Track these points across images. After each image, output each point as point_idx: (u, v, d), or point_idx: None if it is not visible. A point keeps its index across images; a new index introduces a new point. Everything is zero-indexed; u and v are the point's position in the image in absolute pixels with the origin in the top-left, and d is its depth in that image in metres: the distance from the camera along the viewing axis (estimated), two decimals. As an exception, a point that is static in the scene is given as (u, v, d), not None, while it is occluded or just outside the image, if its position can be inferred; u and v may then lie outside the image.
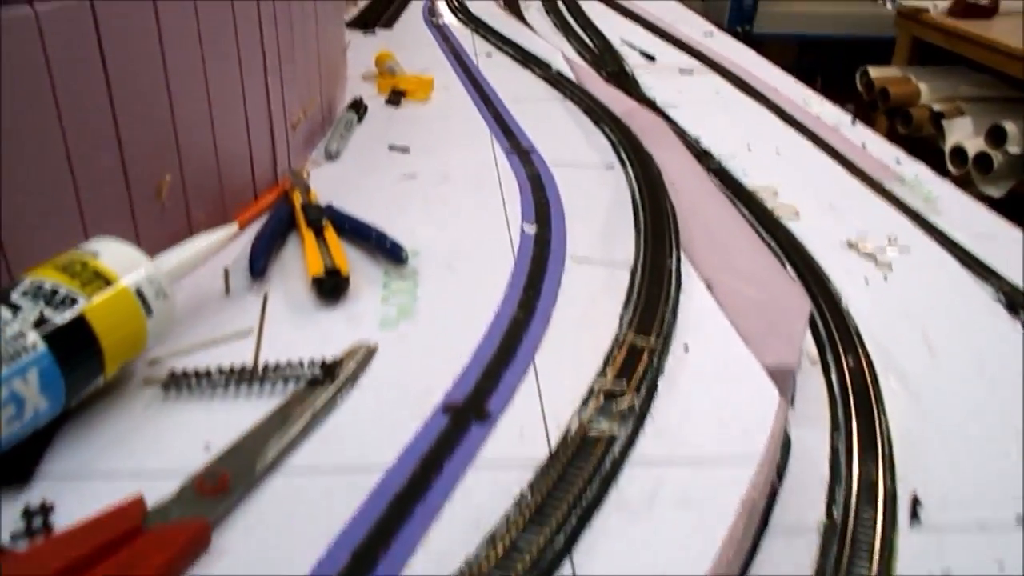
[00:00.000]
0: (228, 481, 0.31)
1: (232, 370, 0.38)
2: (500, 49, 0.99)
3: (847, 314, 0.52)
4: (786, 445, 0.41)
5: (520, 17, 1.25)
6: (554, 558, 0.29)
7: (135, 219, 0.44)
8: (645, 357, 0.40)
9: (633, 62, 1.10)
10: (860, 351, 0.48)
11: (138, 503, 0.29)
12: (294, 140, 0.60)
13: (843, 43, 3.02)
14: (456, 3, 1.21)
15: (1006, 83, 1.84)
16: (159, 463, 0.33)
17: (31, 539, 0.29)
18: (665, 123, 0.78)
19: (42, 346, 0.31)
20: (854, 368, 0.46)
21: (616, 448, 0.34)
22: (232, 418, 0.35)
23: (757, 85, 1.02)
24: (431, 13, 1.14)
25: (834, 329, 0.50)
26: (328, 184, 0.60)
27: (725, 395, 0.39)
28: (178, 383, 0.37)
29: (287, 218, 0.51)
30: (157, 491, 0.31)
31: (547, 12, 1.36)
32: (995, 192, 1.69)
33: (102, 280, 0.34)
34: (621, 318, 0.44)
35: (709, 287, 0.48)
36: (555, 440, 0.35)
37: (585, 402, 0.37)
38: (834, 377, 0.46)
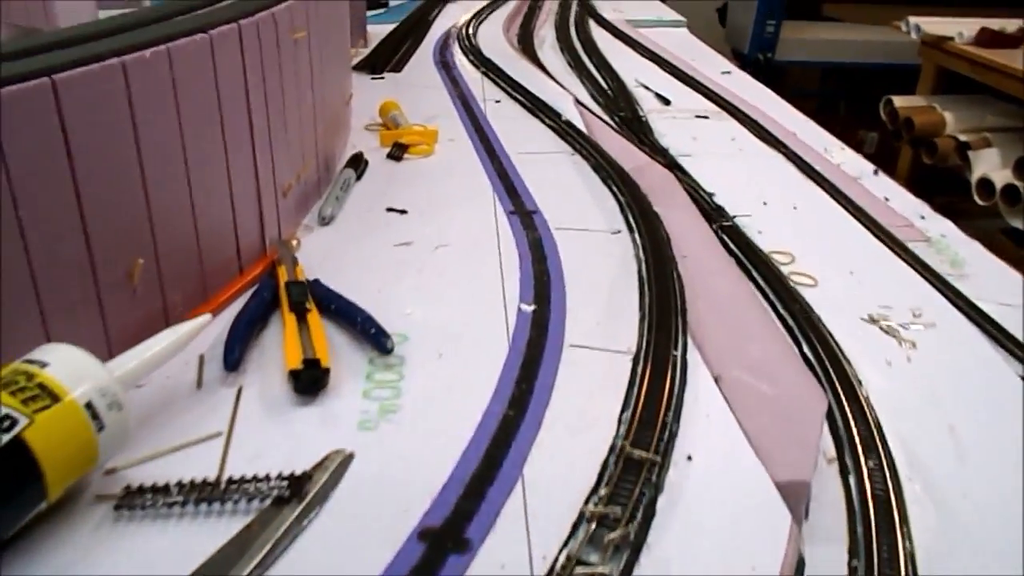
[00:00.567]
0: (171, 633, 0.28)
1: (193, 484, 0.35)
2: (510, 95, 0.97)
3: (867, 403, 0.48)
4: (799, 567, 0.37)
5: (533, 57, 1.23)
6: None
7: (103, 308, 0.41)
8: (643, 472, 0.37)
9: (648, 106, 1.07)
10: (881, 450, 0.44)
11: (66, 665, 0.26)
12: (285, 206, 0.57)
13: (867, 70, 2.99)
14: (468, 44, 1.19)
15: (1033, 114, 1.80)
16: (101, 600, 0.30)
17: None
18: (676, 179, 0.74)
19: (-27, 477, 0.29)
20: (874, 470, 0.43)
21: (607, 589, 0.31)
22: (189, 543, 0.32)
23: (775, 130, 0.99)
24: (441, 56, 1.12)
25: (853, 423, 0.46)
26: (320, 252, 0.58)
27: (730, 518, 0.35)
28: (132, 501, 0.34)
29: (271, 297, 0.48)
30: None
31: (561, 51, 1.34)
32: (1023, 224, 1.66)
33: (48, 395, 0.32)
34: (619, 420, 0.41)
35: (718, 382, 0.45)
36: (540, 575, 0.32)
37: (575, 528, 0.34)
38: (852, 481, 0.42)
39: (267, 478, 0.35)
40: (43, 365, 0.33)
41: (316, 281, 0.51)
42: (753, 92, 1.19)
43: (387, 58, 1.08)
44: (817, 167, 0.88)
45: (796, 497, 0.38)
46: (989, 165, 1.77)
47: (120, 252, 0.42)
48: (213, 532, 0.33)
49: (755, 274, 0.63)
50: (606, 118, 0.99)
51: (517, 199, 0.67)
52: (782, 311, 0.58)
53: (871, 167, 0.92)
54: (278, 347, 0.45)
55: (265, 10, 0.52)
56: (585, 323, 0.49)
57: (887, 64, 2.92)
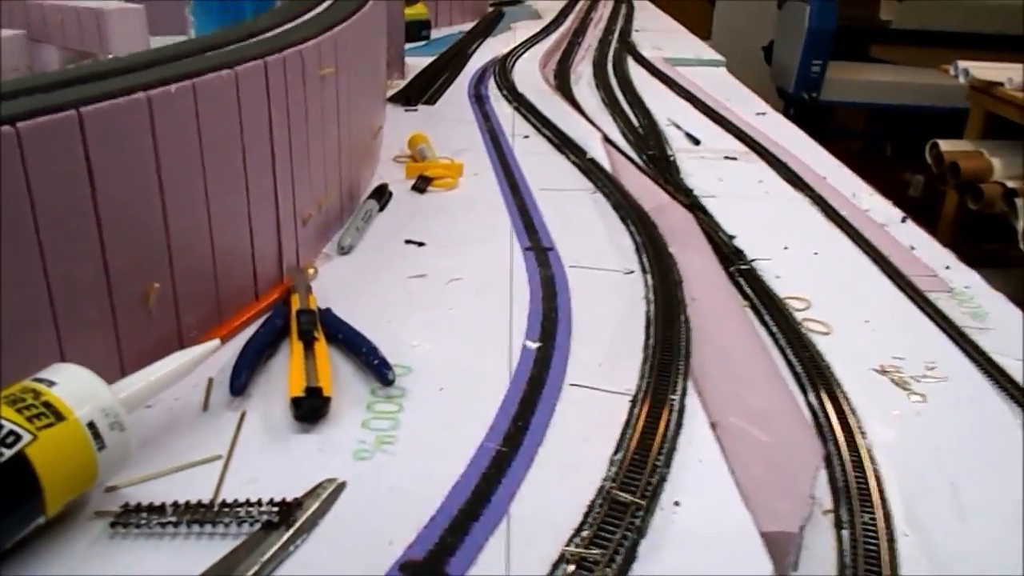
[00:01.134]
0: (150, 651, 0.29)
1: (188, 505, 0.36)
2: (539, 131, 0.98)
3: (869, 455, 0.48)
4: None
5: (567, 93, 1.25)
6: None
7: (117, 330, 0.43)
8: (628, 516, 0.37)
9: (677, 145, 1.08)
10: (880, 505, 0.44)
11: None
12: (305, 235, 0.59)
13: (914, 113, 2.96)
14: (503, 79, 1.21)
15: (1082, 161, 1.77)
16: (90, 615, 0.31)
17: None
18: (695, 220, 0.75)
19: (-25, 489, 0.30)
20: (869, 524, 0.42)
21: (579, 632, 0.31)
22: (180, 563, 0.33)
23: (804, 173, 0.99)
24: (476, 90, 1.14)
25: (852, 474, 0.46)
26: (336, 281, 0.59)
27: (712, 566, 0.35)
28: (128, 519, 0.35)
29: (282, 324, 0.50)
30: (78, 653, 0.29)
31: (597, 87, 1.35)
32: (1067, 272, 1.62)
33: (52, 414, 0.33)
34: (611, 461, 0.41)
35: (714, 428, 0.45)
36: (516, 617, 0.32)
37: (554, 569, 0.34)
38: (846, 536, 0.42)
39: (259, 503, 0.36)
40: (51, 384, 0.34)
41: (327, 310, 0.52)
42: (787, 134, 1.19)
43: (422, 90, 1.11)
44: (843, 212, 0.87)
45: (782, 548, 0.38)
46: (1036, 213, 1.74)
47: (137, 276, 0.43)
48: (204, 553, 0.34)
49: (768, 319, 0.63)
50: (634, 156, 1.00)
51: (535, 235, 0.68)
52: (791, 358, 0.58)
53: (900, 214, 0.92)
54: (285, 374, 0.46)
55: (292, 47, 0.54)
56: (587, 363, 0.50)
57: (934, 107, 2.89)
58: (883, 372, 0.58)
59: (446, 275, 0.60)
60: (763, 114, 1.32)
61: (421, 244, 0.65)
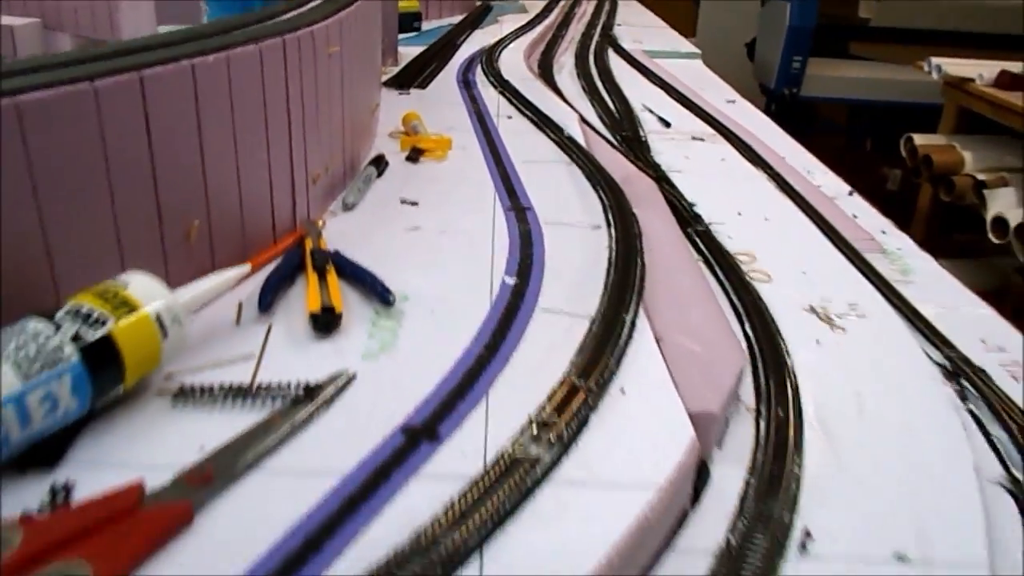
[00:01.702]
0: (212, 474, 0.38)
1: (231, 387, 0.45)
2: (521, 112, 1.08)
3: (791, 372, 0.58)
4: (705, 478, 0.47)
5: (550, 81, 1.34)
6: (466, 552, 0.35)
7: (166, 257, 0.52)
8: (581, 396, 0.47)
9: (650, 128, 1.17)
10: (792, 404, 0.54)
11: (137, 487, 0.37)
12: (314, 193, 0.68)
13: (893, 109, 3.06)
14: (489, 67, 1.30)
15: (1053, 155, 1.86)
16: (161, 458, 0.40)
17: (52, 510, 0.36)
18: (658, 188, 0.85)
19: (75, 357, 0.39)
20: (782, 418, 0.52)
21: (539, 469, 0.41)
22: (225, 426, 0.43)
23: (765, 153, 1.09)
24: (464, 76, 1.24)
25: (773, 384, 0.56)
26: (341, 232, 0.68)
27: (647, 433, 0.45)
28: (185, 395, 0.45)
29: (298, 261, 0.59)
30: (156, 480, 0.38)
31: (578, 76, 1.45)
32: (1035, 262, 1.71)
33: (129, 306, 0.42)
34: (571, 362, 0.51)
35: (659, 342, 0.55)
36: (491, 460, 0.42)
37: (523, 430, 0.44)
38: (763, 425, 0.52)
39: (288, 386, 0.46)
40: (125, 284, 0.43)
41: (336, 252, 0.61)
42: (753, 120, 1.29)
43: (414, 76, 1.20)
44: (797, 187, 0.97)
45: (705, 424, 0.47)
46: (1005, 204, 1.82)
47: (181, 215, 0.53)
48: (245, 421, 0.43)
49: (717, 269, 0.73)
50: (608, 136, 1.10)
51: (515, 198, 0.77)
52: (734, 298, 0.68)
53: (847, 188, 1.01)
54: (302, 298, 0.56)
55: (306, 27, 0.63)
56: (556, 294, 0.59)
57: (913, 103, 2.99)
58: (811, 311, 0.68)
59: (437, 228, 0.70)
60: (732, 102, 1.41)
61: (415, 204, 0.74)
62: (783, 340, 0.62)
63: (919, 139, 2.13)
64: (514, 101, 1.12)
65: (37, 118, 0.42)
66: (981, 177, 1.91)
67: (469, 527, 0.36)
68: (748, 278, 0.71)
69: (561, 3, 2.16)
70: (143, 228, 0.50)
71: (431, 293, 0.59)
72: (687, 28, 3.52)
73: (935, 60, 2.25)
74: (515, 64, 1.38)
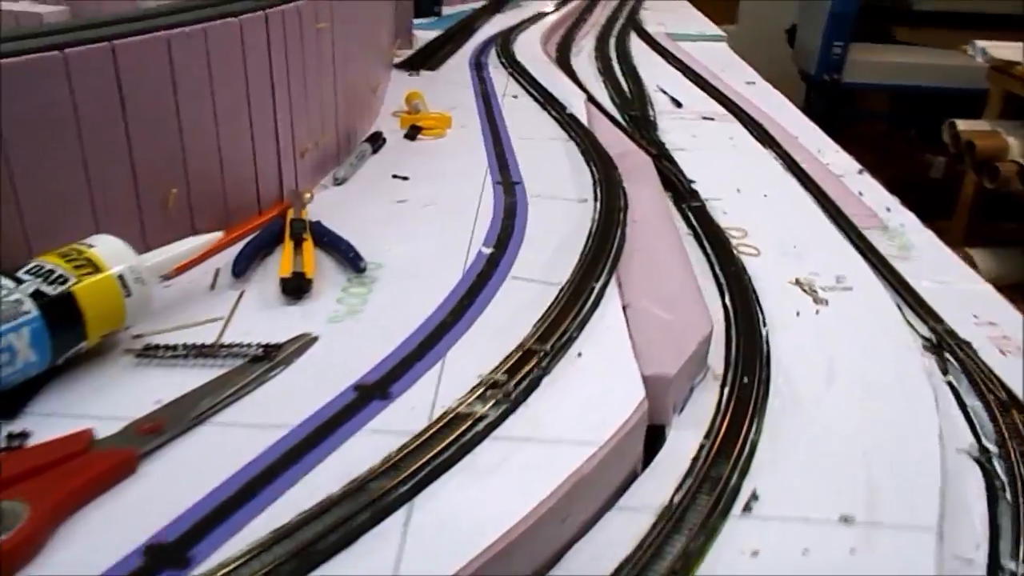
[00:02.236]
0: (162, 425, 0.39)
1: (195, 346, 0.47)
2: (528, 92, 1.08)
3: (763, 341, 0.57)
4: (659, 440, 0.47)
5: (565, 63, 1.34)
6: (395, 501, 0.36)
7: (143, 224, 0.54)
8: (536, 359, 0.47)
9: (661, 108, 1.17)
10: (759, 372, 0.53)
11: (86, 434, 0.38)
12: (303, 166, 0.69)
13: (937, 95, 2.98)
14: (503, 49, 1.30)
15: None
16: (119, 411, 0.42)
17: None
18: (653, 164, 0.84)
19: (35, 312, 0.41)
20: (747, 385, 0.52)
21: (482, 425, 0.41)
22: (184, 381, 0.44)
23: (776, 132, 1.08)
24: (477, 59, 1.24)
25: (743, 353, 0.55)
26: (328, 205, 0.70)
27: (598, 394, 0.45)
28: (149, 353, 0.46)
29: (278, 230, 0.60)
30: (110, 429, 0.40)
31: (596, 58, 1.44)
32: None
33: (92, 266, 0.44)
34: (533, 327, 0.51)
35: (625, 309, 0.55)
36: (436, 416, 0.42)
37: (472, 390, 0.45)
38: (726, 392, 0.52)
39: (249, 345, 0.47)
40: (91, 246, 0.45)
41: (318, 222, 0.62)
42: (770, 100, 1.27)
43: (426, 58, 1.21)
44: (804, 165, 0.96)
45: (660, 387, 0.47)
46: (1050, 191, 1.76)
47: (158, 182, 0.54)
48: (204, 376, 0.45)
49: (705, 244, 0.72)
50: (616, 115, 1.09)
51: (506, 173, 0.78)
52: (717, 271, 0.67)
53: (857, 166, 1.00)
54: (278, 266, 0.57)
55: (291, 3, 0.64)
56: (531, 263, 0.60)
57: (958, 89, 2.90)
58: (796, 283, 0.67)
59: (423, 201, 0.71)
60: (752, 83, 1.40)
61: (405, 178, 0.75)
62: (761, 311, 0.61)
63: (962, 125, 2.07)
64: (522, 81, 1.12)
65: (8, 83, 0.44)
66: (1025, 163, 1.85)
67: (401, 477, 0.37)
68: (736, 252, 0.71)
69: (587, -13, 2.15)
70: (118, 194, 0.52)
71: (406, 262, 0.60)
72: (728, 15, 3.47)
73: (980, 44, 2.18)
74: (530, 47, 1.38)
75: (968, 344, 0.61)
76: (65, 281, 0.43)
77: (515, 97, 1.06)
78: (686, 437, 0.47)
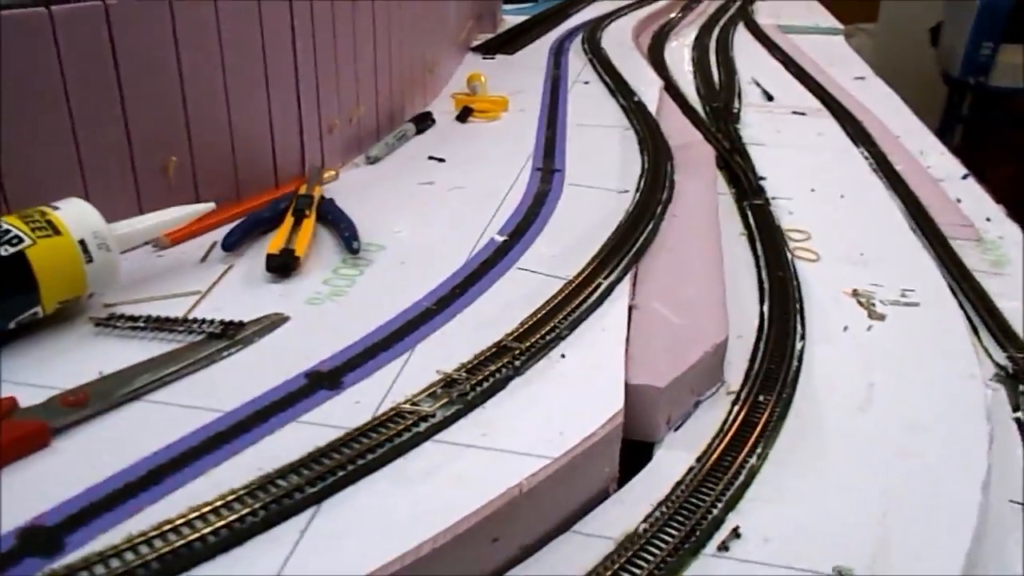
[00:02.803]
0: (86, 399, 0.37)
1: (158, 318, 0.45)
2: (601, 78, 1.02)
3: (793, 357, 0.51)
4: (644, 457, 0.42)
5: (657, 53, 1.27)
6: (300, 502, 0.33)
7: (138, 189, 0.52)
8: (508, 358, 0.42)
9: (749, 100, 1.09)
10: (779, 391, 0.47)
11: (8, 401, 0.36)
12: (330, 142, 0.67)
13: (1099, 102, 2.71)
14: (589, 35, 1.25)
15: None
16: (60, 381, 0.40)
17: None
18: (713, 157, 0.78)
19: (-18, 271, 0.40)
20: (761, 404, 0.46)
21: (423, 426, 0.37)
22: (133, 354, 0.42)
23: (875, 130, 0.98)
24: (559, 44, 1.20)
25: (765, 367, 0.49)
26: (355, 183, 0.67)
27: (569, 402, 0.40)
28: (111, 323, 0.44)
29: (286, 206, 0.58)
30: (40, 398, 0.38)
31: (693, 48, 1.37)
32: None
33: (51, 228, 0.42)
34: (519, 323, 0.46)
35: (631, 309, 0.49)
36: (379, 413, 0.39)
37: (428, 387, 0.40)
38: (735, 410, 0.45)
39: (211, 321, 0.45)
40: (55, 208, 0.44)
41: (330, 200, 0.60)
42: (877, 96, 1.17)
43: (507, 42, 1.17)
44: (899, 166, 0.87)
45: (648, 399, 0.42)
46: None
47: (156, 148, 0.53)
48: (158, 350, 0.43)
49: (758, 245, 0.66)
50: (697, 106, 1.03)
51: (550, 159, 0.73)
52: (763, 276, 0.61)
53: (962, 171, 0.90)
54: (273, 242, 0.55)
55: (318, -30, 0.62)
56: (542, 255, 0.55)
57: None
58: (853, 295, 0.60)
59: (451, 184, 0.67)
60: (862, 78, 1.29)
61: (441, 160, 0.72)
62: (802, 322, 0.54)
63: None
64: (598, 67, 1.06)
65: (-17, 39, 0.43)
66: None
67: (315, 476, 0.34)
68: (790, 256, 0.64)
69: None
70: (109, 158, 0.50)
71: (410, 246, 0.56)
72: (868, 12, 3.27)
73: None
74: (620, 34, 1.32)
75: (1051, 377, 0.52)
76: (19, 242, 0.41)
77: (586, 83, 1.01)
78: (676, 458, 0.42)
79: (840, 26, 1.67)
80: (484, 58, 1.11)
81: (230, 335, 0.43)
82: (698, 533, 0.37)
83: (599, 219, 0.61)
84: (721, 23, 1.59)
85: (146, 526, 0.31)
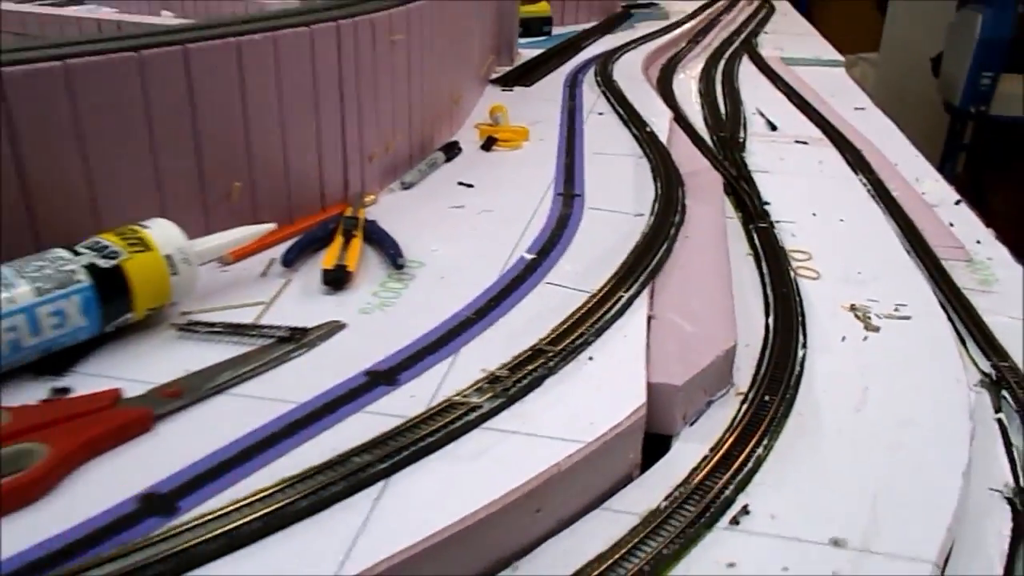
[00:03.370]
0: (180, 391, 0.43)
1: (231, 325, 0.51)
2: (614, 110, 1.09)
3: (796, 363, 0.56)
4: (662, 445, 0.47)
5: (666, 85, 1.34)
6: (372, 476, 0.38)
7: (207, 211, 0.59)
8: (544, 359, 0.48)
9: (754, 130, 1.15)
10: (783, 392, 0.52)
11: (114, 392, 0.42)
12: (370, 170, 0.73)
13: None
14: (601, 67, 1.32)
15: None
16: (152, 377, 0.46)
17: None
18: (721, 183, 0.84)
19: (87, 281, 0.46)
20: (766, 403, 0.51)
21: (473, 415, 0.43)
22: (214, 355, 0.48)
23: (873, 158, 1.04)
24: (573, 77, 1.26)
25: (771, 372, 0.55)
26: (392, 207, 0.73)
27: (597, 397, 0.46)
28: (191, 328, 0.50)
29: (335, 227, 0.64)
30: (140, 390, 0.44)
31: (699, 80, 1.43)
32: None
33: (144, 245, 0.49)
34: (551, 330, 0.52)
35: (650, 319, 0.55)
36: (433, 404, 0.44)
37: (474, 383, 0.46)
38: (743, 408, 0.51)
39: (278, 327, 0.51)
40: (146, 227, 0.50)
41: (373, 222, 0.66)
42: (876, 126, 1.23)
43: (523, 75, 1.24)
44: (895, 192, 0.93)
45: (666, 396, 0.48)
46: None
47: (223, 175, 0.59)
48: (234, 352, 0.49)
49: (764, 264, 0.71)
50: (705, 136, 1.09)
51: (570, 185, 0.79)
52: (768, 291, 0.66)
53: (955, 197, 0.96)
54: (326, 258, 0.61)
55: (364, 15, 0.68)
56: (568, 271, 0.61)
57: None
58: (851, 309, 0.65)
59: (480, 207, 0.73)
60: (862, 109, 1.35)
61: (470, 186, 0.78)
62: (804, 333, 0.60)
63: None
64: (611, 99, 1.13)
65: (84, 79, 0.49)
66: None
67: (383, 455, 0.39)
68: (793, 274, 0.70)
69: (708, 11, 2.13)
70: (184, 183, 0.57)
71: (448, 263, 0.62)
72: (870, 42, 3.34)
73: None
74: (630, 67, 1.38)
75: (1029, 382, 0.57)
76: (117, 256, 0.47)
77: (600, 114, 1.07)
78: (692, 449, 0.47)
79: (841, 58, 1.74)
80: (503, 90, 1.18)
81: (296, 339, 0.49)
82: (712, 510, 0.42)
83: (618, 239, 0.67)
84: (726, 56, 1.66)
85: (243, 494, 0.37)
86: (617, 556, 0.39)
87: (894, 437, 0.49)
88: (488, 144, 0.89)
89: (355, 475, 0.38)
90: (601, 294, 0.57)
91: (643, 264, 0.61)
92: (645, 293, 0.58)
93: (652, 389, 0.47)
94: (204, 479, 0.38)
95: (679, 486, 0.44)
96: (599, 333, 0.52)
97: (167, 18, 1.39)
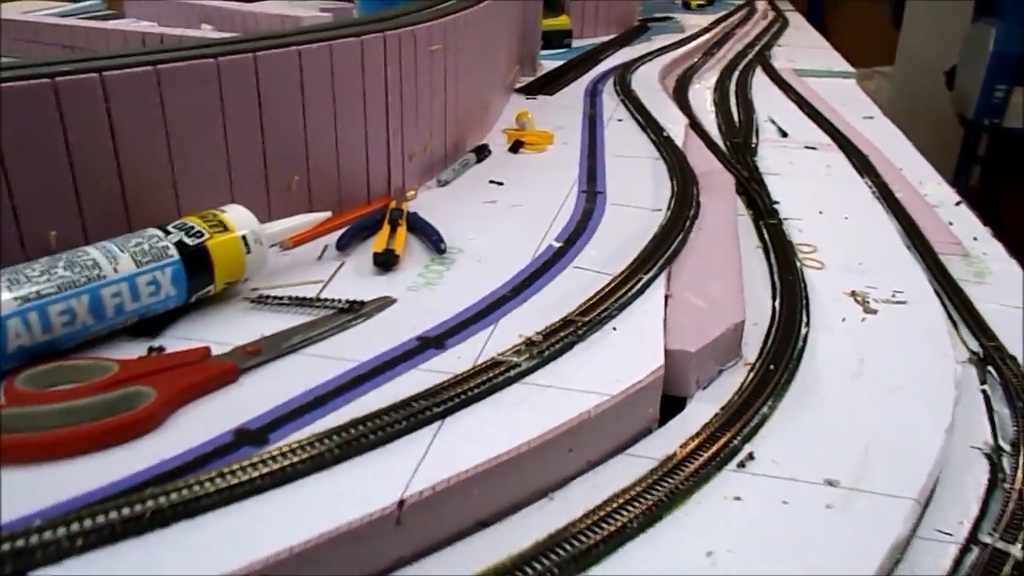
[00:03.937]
0: (260, 349, 0.50)
1: (297, 297, 0.58)
2: (632, 116, 1.16)
3: (800, 338, 0.62)
4: (678, 406, 0.53)
5: (682, 94, 1.40)
6: (429, 417, 0.45)
7: (269, 199, 0.66)
8: (574, 327, 0.55)
9: (765, 137, 1.21)
10: (786, 362, 0.59)
11: (204, 350, 0.49)
12: (410, 168, 0.80)
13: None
14: (620, 77, 1.39)
15: None
16: (232, 338, 0.53)
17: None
18: (735, 182, 0.90)
19: (176, 256, 0.53)
20: (772, 371, 0.57)
21: (513, 372, 0.50)
22: (284, 323, 0.55)
23: (879, 163, 1.10)
24: (593, 86, 1.33)
25: (776, 345, 0.61)
26: (428, 201, 0.80)
27: (621, 359, 0.52)
28: (261, 301, 0.57)
29: (381, 218, 0.71)
30: (222, 350, 0.51)
31: (714, 90, 1.50)
32: None
33: (223, 227, 0.56)
34: (579, 305, 0.59)
35: (667, 298, 0.61)
36: (477, 363, 0.51)
37: (513, 346, 0.53)
38: (751, 375, 0.57)
39: (339, 300, 0.57)
40: (224, 211, 0.57)
41: (415, 213, 0.73)
42: (883, 133, 1.28)
43: (546, 84, 1.31)
44: (899, 193, 0.99)
45: (682, 361, 0.54)
46: None
47: (284, 169, 0.66)
48: (300, 320, 0.55)
49: (772, 255, 0.78)
50: (719, 142, 1.15)
51: (592, 183, 0.86)
52: (775, 279, 0.72)
53: (955, 198, 1.01)
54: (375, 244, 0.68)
55: (408, 27, 0.75)
56: (593, 257, 0.68)
57: None
58: (852, 295, 0.71)
59: (510, 202, 0.80)
60: (870, 118, 1.41)
61: (500, 183, 0.85)
62: (807, 315, 0.66)
63: None
64: (630, 107, 1.20)
65: (171, 82, 0.56)
66: None
67: (435, 401, 0.46)
68: (799, 264, 0.76)
69: (722, 25, 2.20)
70: (251, 175, 0.64)
71: (484, 249, 0.69)
72: (885, 56, 3.39)
73: None
74: (647, 78, 1.45)
75: (1013, 359, 0.63)
76: (202, 236, 0.54)
77: (620, 120, 1.14)
78: (704, 408, 0.54)
79: (852, 70, 1.80)
80: (527, 98, 1.25)
81: (354, 310, 0.56)
82: (721, 455, 0.48)
83: (638, 230, 0.73)
84: (740, 67, 1.72)
85: (322, 429, 0.44)
86: (638, 491, 0.45)
87: (885, 399, 0.55)
88: (515, 147, 0.96)
89: (415, 416, 0.45)
90: (623, 276, 0.63)
91: (661, 251, 0.67)
92: (663, 276, 0.64)
93: (669, 355, 0.54)
94: (288, 418, 0.45)
95: (692, 437, 0.50)
96: (622, 308, 0.59)
97: (207, 31, 1.47)
